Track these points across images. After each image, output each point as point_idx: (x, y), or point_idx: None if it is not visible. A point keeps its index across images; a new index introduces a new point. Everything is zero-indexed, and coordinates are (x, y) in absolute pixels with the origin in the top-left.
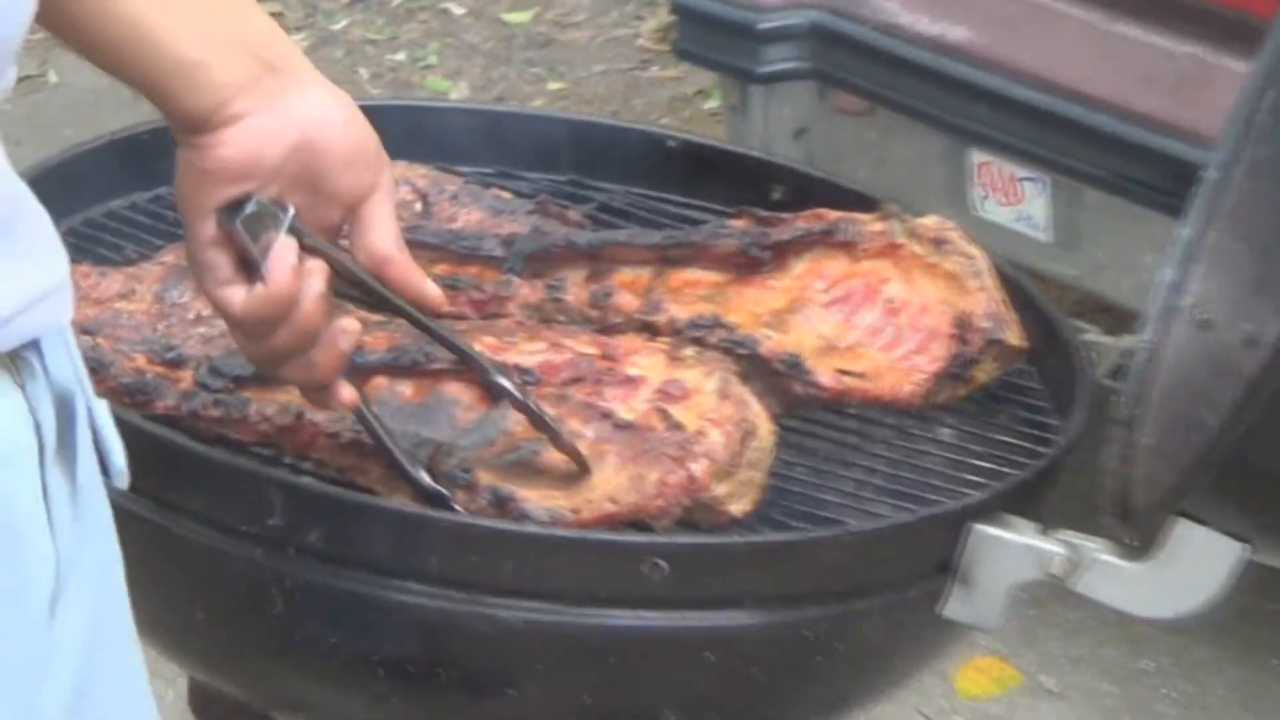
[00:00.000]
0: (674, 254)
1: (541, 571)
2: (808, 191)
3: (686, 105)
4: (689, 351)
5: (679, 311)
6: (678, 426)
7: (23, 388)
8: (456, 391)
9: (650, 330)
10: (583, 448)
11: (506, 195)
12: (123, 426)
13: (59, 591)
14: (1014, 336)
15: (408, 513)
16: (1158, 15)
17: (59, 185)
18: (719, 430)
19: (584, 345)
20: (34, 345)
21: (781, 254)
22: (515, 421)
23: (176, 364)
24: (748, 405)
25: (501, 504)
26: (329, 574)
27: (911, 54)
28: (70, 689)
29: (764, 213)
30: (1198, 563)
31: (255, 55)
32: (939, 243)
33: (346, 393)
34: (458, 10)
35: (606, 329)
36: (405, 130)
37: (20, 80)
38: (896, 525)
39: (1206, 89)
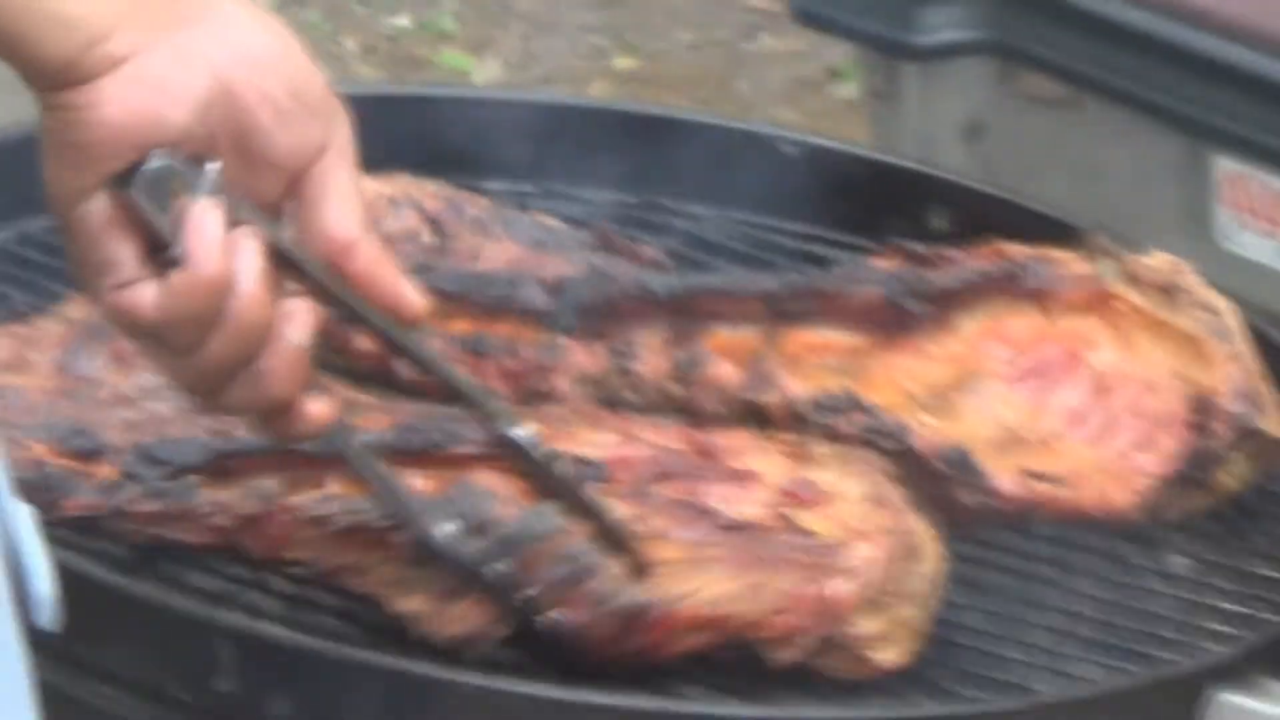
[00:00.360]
0: (792, 307)
1: None
2: (983, 217)
3: (811, 91)
4: (823, 450)
5: (798, 388)
6: (810, 534)
7: None
8: (491, 482)
9: (758, 414)
10: (672, 553)
11: (552, 222)
12: None
13: None
14: (1276, 424)
15: (414, 674)
16: None
17: None
18: (870, 544)
19: (669, 440)
20: None
21: (945, 307)
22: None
23: (90, 455)
24: (908, 517)
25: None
26: None
27: (1135, 19)
28: None
29: (921, 248)
30: None
31: None
32: (1170, 291)
33: (317, 408)
34: None
35: (696, 413)
36: (408, 129)
37: None
38: (1110, 692)
39: None
